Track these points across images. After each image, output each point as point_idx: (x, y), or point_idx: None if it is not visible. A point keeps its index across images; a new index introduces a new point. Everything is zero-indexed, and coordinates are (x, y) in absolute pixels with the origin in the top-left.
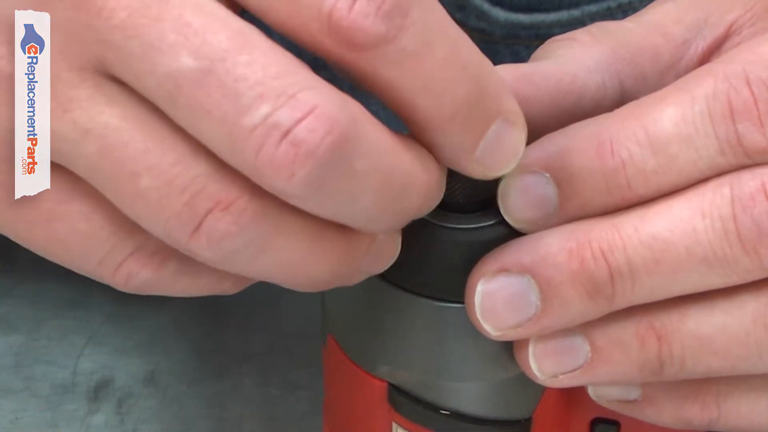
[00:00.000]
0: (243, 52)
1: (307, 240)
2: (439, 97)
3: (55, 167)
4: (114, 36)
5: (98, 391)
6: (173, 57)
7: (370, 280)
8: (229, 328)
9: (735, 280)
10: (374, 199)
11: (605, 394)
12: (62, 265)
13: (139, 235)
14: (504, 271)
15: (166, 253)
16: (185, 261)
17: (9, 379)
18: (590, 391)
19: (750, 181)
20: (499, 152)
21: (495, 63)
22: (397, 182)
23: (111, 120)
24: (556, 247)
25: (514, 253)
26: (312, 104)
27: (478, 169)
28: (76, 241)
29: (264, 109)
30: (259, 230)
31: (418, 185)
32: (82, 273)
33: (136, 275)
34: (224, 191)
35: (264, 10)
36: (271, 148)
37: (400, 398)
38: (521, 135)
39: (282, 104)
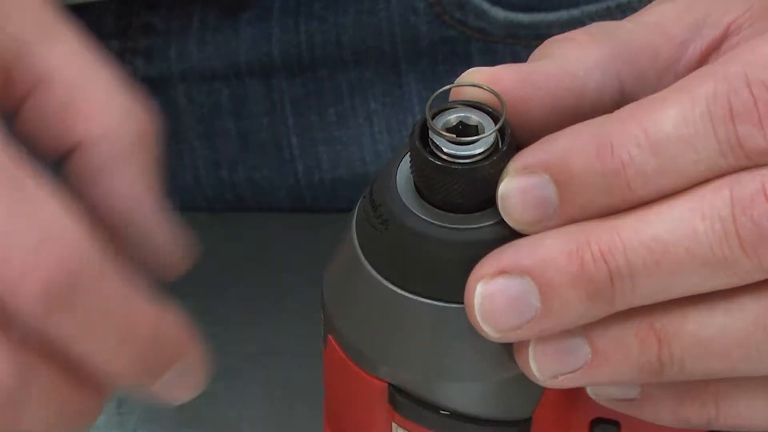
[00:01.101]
0: None
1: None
2: (115, 356)
3: None
4: None
5: None
6: None
7: (370, 281)
8: (229, 328)
9: (735, 281)
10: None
11: (604, 393)
12: None
13: None
14: (503, 272)
15: None
16: None
17: None
18: (589, 389)
19: (750, 182)
20: (180, 387)
21: (495, 63)
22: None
23: None
24: (556, 249)
25: (513, 254)
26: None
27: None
28: None
29: None
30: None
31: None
32: None
33: None
34: None
35: None
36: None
37: (401, 398)
38: (202, 370)
39: None
